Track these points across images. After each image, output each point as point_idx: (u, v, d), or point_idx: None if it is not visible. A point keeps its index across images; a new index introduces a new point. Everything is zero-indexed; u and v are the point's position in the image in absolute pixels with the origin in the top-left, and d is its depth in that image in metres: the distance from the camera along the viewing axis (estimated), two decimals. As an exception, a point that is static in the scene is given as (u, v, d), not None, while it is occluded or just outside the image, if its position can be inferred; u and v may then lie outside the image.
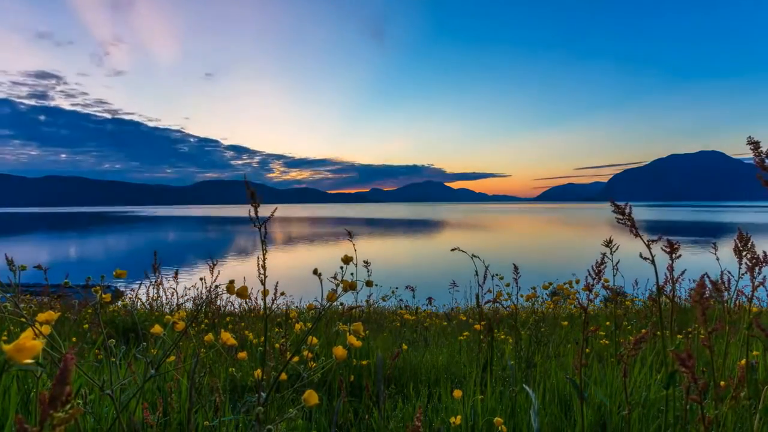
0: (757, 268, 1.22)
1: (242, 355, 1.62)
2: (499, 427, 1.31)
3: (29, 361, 0.42)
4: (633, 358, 1.04)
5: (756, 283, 1.26)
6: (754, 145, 0.86)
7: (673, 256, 1.01)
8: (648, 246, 1.01)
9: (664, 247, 1.01)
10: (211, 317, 3.74)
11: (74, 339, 3.03)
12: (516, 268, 2.19)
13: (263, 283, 0.93)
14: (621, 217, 1.00)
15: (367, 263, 3.18)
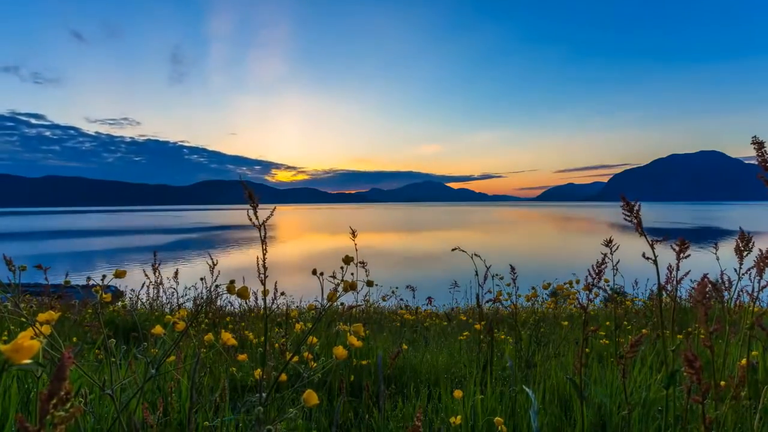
0: (764, 269, 1.20)
1: (242, 357, 1.62)
2: (499, 427, 1.30)
3: (28, 361, 0.42)
4: (632, 358, 1.04)
5: (763, 284, 1.25)
6: (758, 145, 0.85)
7: (681, 255, 1.00)
8: (651, 246, 1.01)
9: (673, 245, 1.00)
10: (212, 317, 3.74)
11: (74, 339, 3.03)
12: (513, 268, 2.18)
13: (263, 283, 0.93)
14: (628, 215, 0.99)
15: (364, 264, 3.15)
